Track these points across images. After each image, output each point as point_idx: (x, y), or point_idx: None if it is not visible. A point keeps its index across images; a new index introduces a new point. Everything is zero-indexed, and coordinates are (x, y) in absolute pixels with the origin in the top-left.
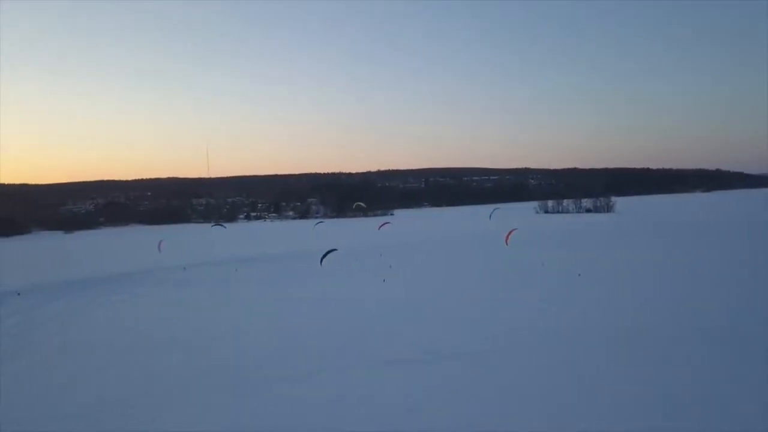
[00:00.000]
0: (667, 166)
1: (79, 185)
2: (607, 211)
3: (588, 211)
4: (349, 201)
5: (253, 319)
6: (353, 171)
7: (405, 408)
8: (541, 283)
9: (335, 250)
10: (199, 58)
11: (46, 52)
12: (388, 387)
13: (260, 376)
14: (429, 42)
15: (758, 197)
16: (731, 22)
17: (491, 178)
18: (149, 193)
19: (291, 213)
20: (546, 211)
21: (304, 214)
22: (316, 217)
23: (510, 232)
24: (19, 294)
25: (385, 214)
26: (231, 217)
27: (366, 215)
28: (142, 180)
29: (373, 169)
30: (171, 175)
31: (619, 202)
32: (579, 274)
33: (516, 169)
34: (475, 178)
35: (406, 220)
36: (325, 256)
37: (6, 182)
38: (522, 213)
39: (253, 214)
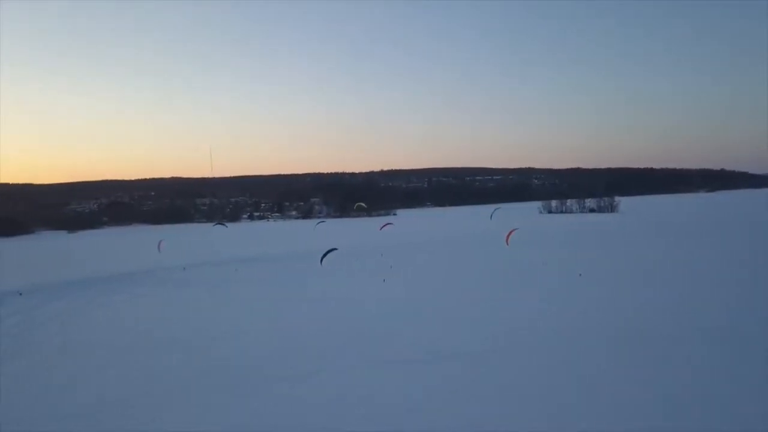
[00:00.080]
0: (670, 165)
1: (83, 185)
2: (611, 211)
3: (592, 211)
4: (352, 201)
5: (253, 319)
6: (356, 171)
7: (405, 408)
8: (541, 283)
9: (335, 249)
10: (201, 58)
11: (47, 52)
12: (388, 387)
13: (260, 376)
14: (433, 41)
15: (762, 197)
16: (732, 22)
17: (494, 178)
18: (153, 193)
19: (294, 213)
20: (549, 211)
21: (307, 214)
22: (319, 217)
23: (510, 232)
24: (21, 294)
25: (387, 214)
26: (234, 217)
27: (369, 215)
28: (145, 180)
29: (377, 168)
30: (174, 175)
31: (623, 202)
32: (580, 274)
33: (519, 169)
34: (478, 178)
35: (409, 220)
36: (325, 255)
37: (9, 182)
38: (525, 213)
39: (256, 213)
